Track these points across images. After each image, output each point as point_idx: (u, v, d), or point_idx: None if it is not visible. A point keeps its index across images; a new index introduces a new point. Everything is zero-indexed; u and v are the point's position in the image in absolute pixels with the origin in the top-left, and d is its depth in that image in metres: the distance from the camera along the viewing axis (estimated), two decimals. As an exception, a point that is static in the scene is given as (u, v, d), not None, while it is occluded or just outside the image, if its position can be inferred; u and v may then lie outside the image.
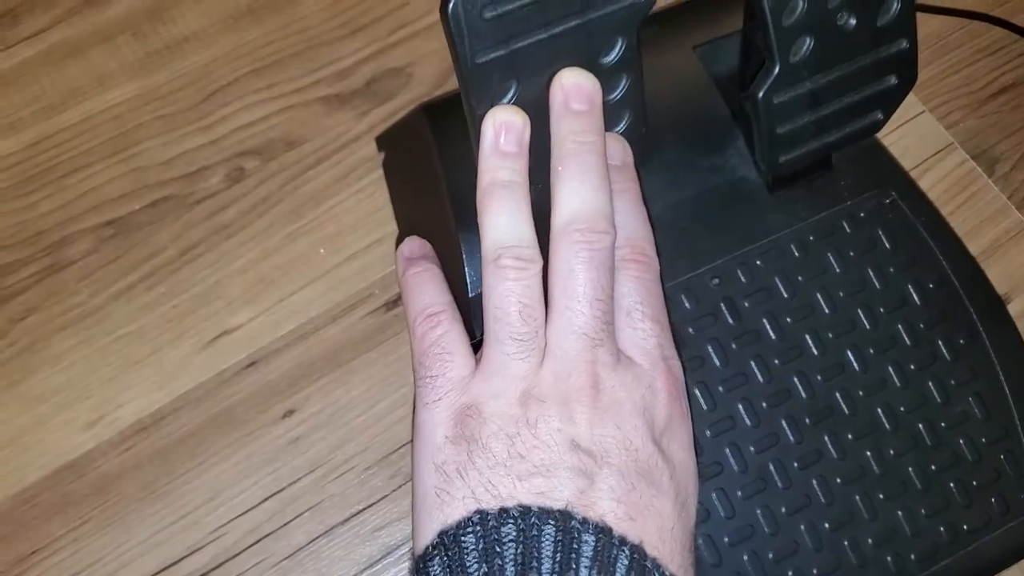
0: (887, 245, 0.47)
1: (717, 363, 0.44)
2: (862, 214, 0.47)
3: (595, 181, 0.37)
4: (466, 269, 0.43)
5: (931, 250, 0.47)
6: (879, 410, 0.45)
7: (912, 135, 0.53)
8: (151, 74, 0.52)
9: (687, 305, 0.44)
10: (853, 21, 0.41)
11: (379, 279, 0.49)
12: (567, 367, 0.36)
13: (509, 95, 0.37)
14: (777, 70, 0.41)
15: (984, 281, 0.48)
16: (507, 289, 0.36)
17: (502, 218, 0.37)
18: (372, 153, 0.51)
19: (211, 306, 0.48)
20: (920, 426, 0.45)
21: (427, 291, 0.40)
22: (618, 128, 0.41)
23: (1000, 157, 0.53)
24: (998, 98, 0.55)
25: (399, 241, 0.49)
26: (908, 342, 0.46)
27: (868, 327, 0.46)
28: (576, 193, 0.37)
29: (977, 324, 0.47)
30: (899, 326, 0.46)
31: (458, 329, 0.39)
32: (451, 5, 0.35)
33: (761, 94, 0.41)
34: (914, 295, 0.46)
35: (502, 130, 0.37)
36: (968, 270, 0.48)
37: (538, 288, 0.37)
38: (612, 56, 0.38)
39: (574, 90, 0.37)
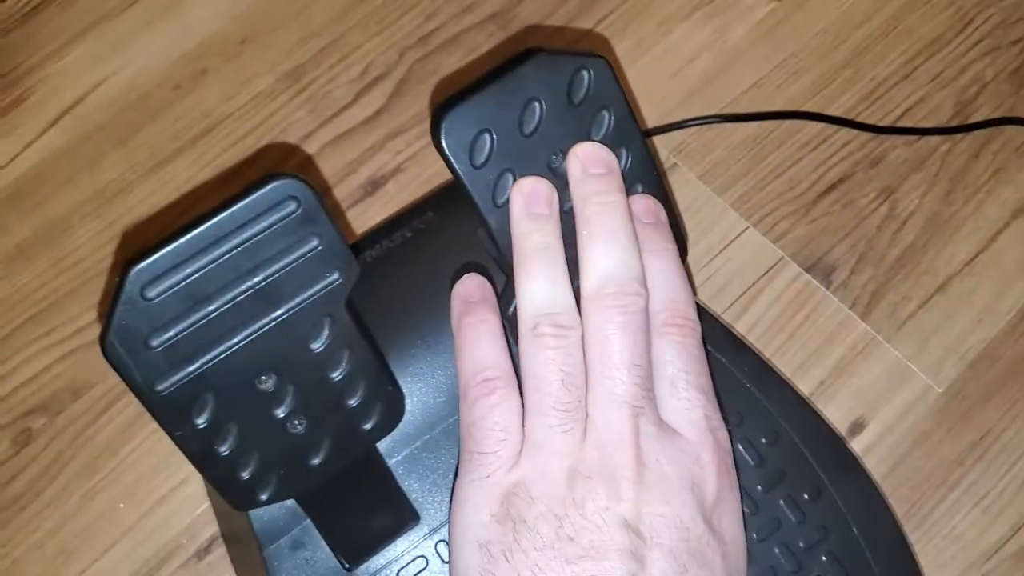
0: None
1: None
2: (677, 378, 0.43)
3: (622, 241, 0.37)
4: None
5: (759, 402, 0.43)
6: (725, 595, 0.41)
7: (738, 257, 0.50)
8: (-79, 340, 0.49)
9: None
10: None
11: (186, 526, 0.45)
12: (611, 439, 0.35)
13: (206, 412, 0.33)
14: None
15: (822, 425, 0.44)
16: (547, 358, 0.35)
17: (539, 283, 0.36)
18: (166, 385, 0.48)
19: (10, 593, 0.45)
20: (774, 604, 0.41)
21: (483, 347, 0.38)
22: (369, 419, 0.37)
23: (836, 264, 0.49)
24: (826, 197, 0.51)
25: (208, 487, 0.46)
26: (747, 511, 0.42)
27: (701, 504, 0.42)
28: (603, 255, 0.37)
29: (821, 475, 0.43)
30: (735, 495, 0.42)
31: (514, 399, 0.37)
32: (106, 342, 0.31)
33: (510, 312, 0.37)
34: (747, 457, 0.42)
35: (530, 196, 0.37)
36: (803, 416, 0.44)
37: (579, 355, 0.36)
38: (322, 340, 0.34)
39: (589, 158, 0.37)
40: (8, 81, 0.54)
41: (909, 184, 0.51)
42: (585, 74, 0.36)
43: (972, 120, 0.52)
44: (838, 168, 0.51)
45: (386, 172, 0.52)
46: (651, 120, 0.52)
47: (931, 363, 0.48)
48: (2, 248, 0.51)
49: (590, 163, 0.37)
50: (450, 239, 0.45)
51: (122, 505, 0.46)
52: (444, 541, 0.41)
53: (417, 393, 0.42)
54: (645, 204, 0.39)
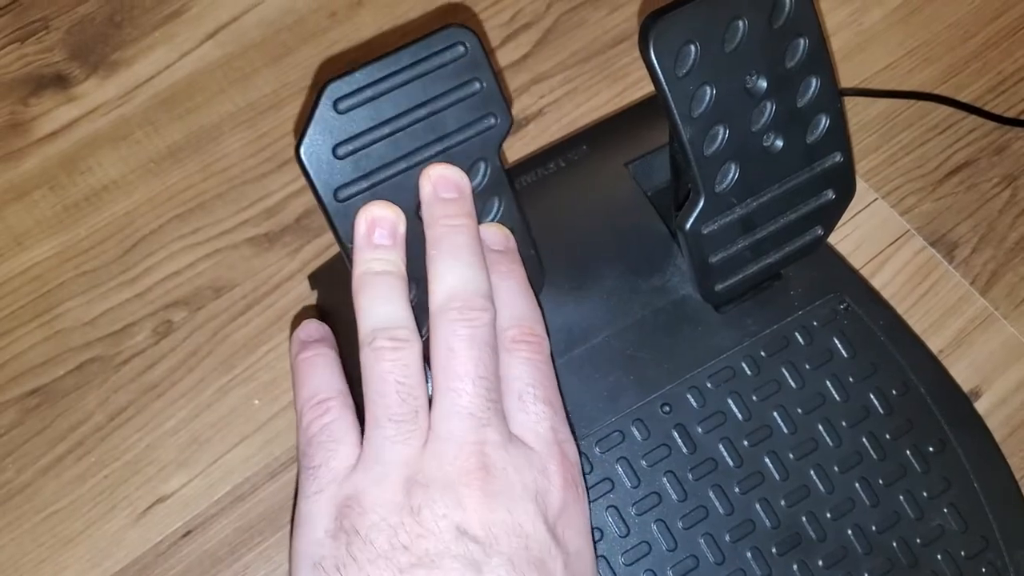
0: (844, 354, 0.44)
1: (675, 497, 0.41)
2: (815, 323, 0.45)
3: (468, 258, 0.37)
4: None
5: (891, 355, 0.45)
6: (850, 532, 0.42)
7: (867, 225, 0.51)
8: (71, 228, 0.50)
9: (638, 437, 0.42)
10: (780, 142, 0.39)
11: (318, 428, 0.47)
12: (452, 449, 0.35)
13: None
14: (703, 201, 0.39)
15: (950, 382, 0.46)
16: (383, 370, 0.35)
17: (376, 302, 0.36)
18: (306, 292, 0.49)
19: (143, 473, 0.46)
20: (895, 545, 0.42)
21: (319, 376, 0.39)
22: None
23: (959, 241, 0.51)
24: (952, 178, 0.53)
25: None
26: (875, 456, 0.43)
27: (831, 444, 0.43)
28: (449, 271, 0.37)
29: (946, 430, 0.44)
30: (864, 440, 0.43)
31: (348, 417, 0.37)
32: (302, 146, 0.35)
33: (688, 226, 0.39)
34: (877, 405, 0.44)
35: (375, 224, 0.37)
36: (932, 372, 0.46)
37: (417, 368, 0.36)
38: (478, 180, 0.38)
39: (441, 180, 0.37)
40: (169, -7, 0.56)
41: (1031, 174, 0.53)
42: (787, 0, 0.38)
43: (1094, 120, 0.54)
44: (964, 152, 0.53)
45: (529, 114, 0.53)
46: (784, 91, 0.54)
47: (1047, 342, 0.49)
48: (154, 148, 0.52)
49: (441, 186, 0.37)
50: (603, 172, 0.47)
51: (256, 402, 0.47)
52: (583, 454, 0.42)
53: (562, 316, 0.43)
54: (494, 233, 0.39)
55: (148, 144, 0.52)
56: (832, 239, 0.51)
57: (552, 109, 0.54)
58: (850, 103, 0.54)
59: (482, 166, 0.38)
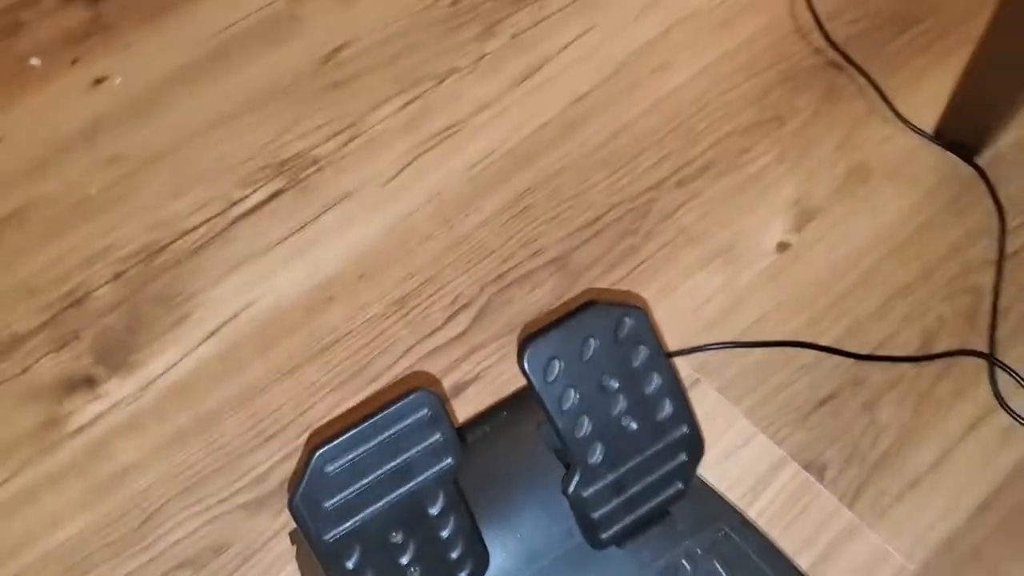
0: None
1: None
2: (699, 551, 0.55)
3: None
4: None
5: (764, 574, 0.55)
6: None
7: (749, 455, 0.62)
8: (96, 506, 0.61)
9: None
10: (635, 424, 0.50)
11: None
12: None
13: (354, 557, 0.46)
14: (579, 473, 0.50)
15: (818, 595, 0.55)
16: None
17: None
18: (287, 546, 0.60)
19: None
20: None
21: None
22: (463, 570, 0.49)
23: (828, 463, 0.62)
24: (820, 409, 0.63)
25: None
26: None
27: (717, 660, 0.52)
28: None
29: (817, 638, 0.53)
30: (744, 655, 0.53)
31: None
32: (295, 501, 0.45)
33: (570, 492, 0.50)
34: (755, 621, 0.53)
35: None
36: (801, 588, 0.55)
37: None
38: (437, 506, 0.48)
39: None
40: (176, 303, 0.69)
41: (886, 400, 0.64)
42: (627, 319, 0.50)
43: (935, 351, 0.65)
44: (827, 386, 0.64)
45: (468, 379, 0.65)
46: (678, 343, 0.66)
47: (905, 546, 0.59)
48: (163, 434, 0.64)
49: None
50: (519, 434, 0.58)
51: (247, 651, 0.57)
52: None
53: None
54: None
55: (158, 431, 0.64)
56: (719, 468, 0.62)
57: (487, 373, 0.66)
58: (731, 352, 0.66)
59: (440, 493, 0.48)
